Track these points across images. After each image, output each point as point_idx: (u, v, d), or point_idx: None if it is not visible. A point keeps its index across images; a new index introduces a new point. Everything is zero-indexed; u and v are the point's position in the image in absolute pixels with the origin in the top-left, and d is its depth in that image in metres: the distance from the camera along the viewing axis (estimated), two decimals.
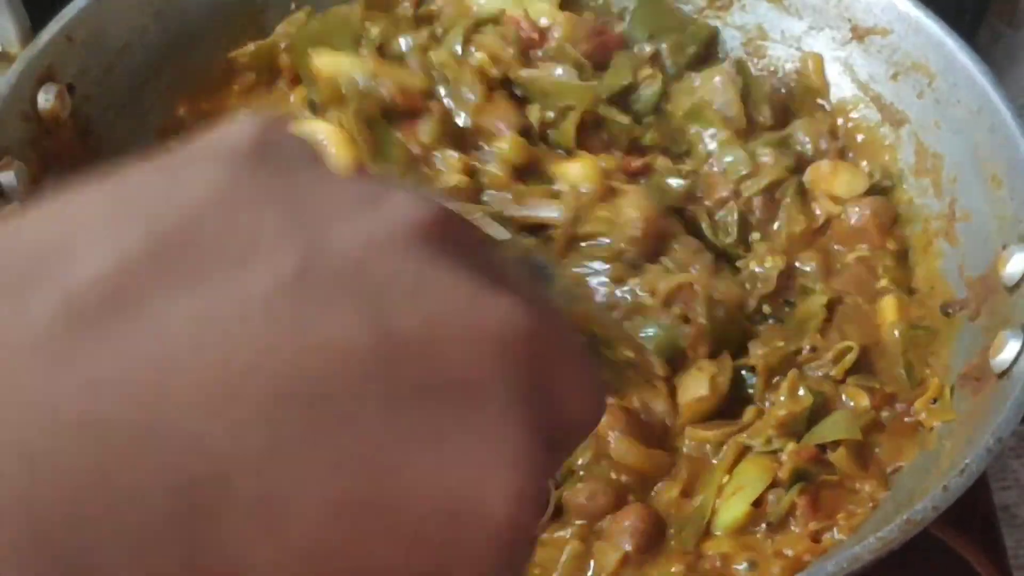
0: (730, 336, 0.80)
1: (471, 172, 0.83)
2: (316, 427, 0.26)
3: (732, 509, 0.75)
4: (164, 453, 0.25)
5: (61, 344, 0.26)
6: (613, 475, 0.76)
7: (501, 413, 0.29)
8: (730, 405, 0.79)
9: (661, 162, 0.87)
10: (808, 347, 0.80)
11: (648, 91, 0.90)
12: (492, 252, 0.34)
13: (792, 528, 0.74)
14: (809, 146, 0.90)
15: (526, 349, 0.30)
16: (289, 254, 0.28)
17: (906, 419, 0.78)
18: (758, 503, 0.74)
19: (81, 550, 0.24)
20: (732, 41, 0.98)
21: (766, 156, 0.87)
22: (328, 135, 0.82)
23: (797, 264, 0.85)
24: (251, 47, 0.93)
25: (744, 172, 0.86)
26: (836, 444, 0.76)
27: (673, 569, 0.73)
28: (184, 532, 0.25)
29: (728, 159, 0.87)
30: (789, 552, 0.73)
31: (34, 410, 0.25)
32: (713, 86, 0.90)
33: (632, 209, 0.81)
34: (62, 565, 0.24)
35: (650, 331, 0.78)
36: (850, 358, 0.79)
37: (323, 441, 0.26)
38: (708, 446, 0.77)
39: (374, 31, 0.89)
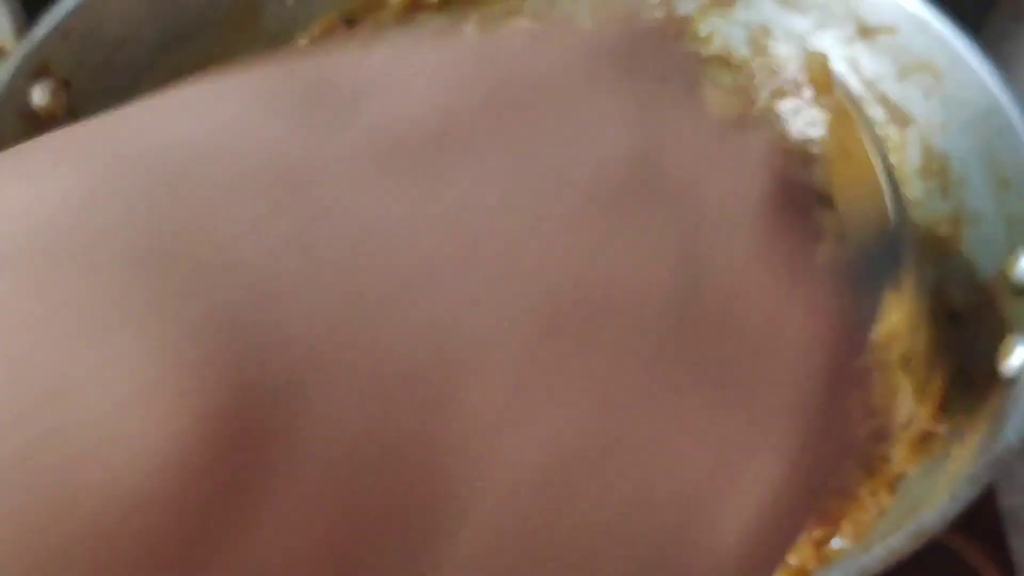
0: None
1: None
2: (566, 363, 0.23)
3: None
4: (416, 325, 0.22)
5: (372, 180, 0.23)
6: None
7: (787, 412, 0.25)
8: None
9: None
10: None
11: None
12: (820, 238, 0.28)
13: None
14: None
15: (834, 361, 0.26)
16: (625, 148, 0.25)
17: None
18: None
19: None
20: (736, 39, 0.98)
21: None
22: None
23: None
24: None
25: None
26: None
27: None
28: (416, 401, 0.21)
29: None
30: (793, 561, 0.72)
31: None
32: None
33: None
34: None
35: None
36: None
37: (566, 381, 0.23)
38: None
39: None
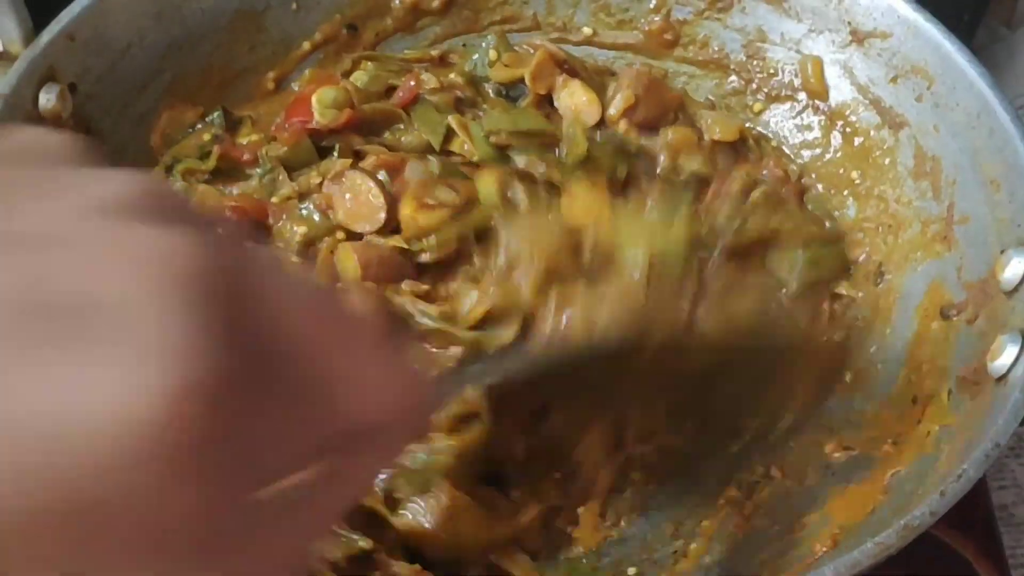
0: None
1: None
2: None
3: None
4: None
5: None
6: None
7: (142, 335, 0.29)
8: None
9: None
10: None
11: None
12: (195, 218, 0.34)
13: None
14: None
15: (197, 273, 0.30)
16: None
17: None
18: None
19: None
20: (732, 44, 0.98)
21: None
22: None
23: None
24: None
25: None
26: None
27: None
28: None
29: None
30: None
31: None
32: None
33: None
34: None
35: None
36: None
37: None
38: None
39: None
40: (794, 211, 0.90)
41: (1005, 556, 0.89)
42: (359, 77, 0.95)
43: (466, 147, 0.90)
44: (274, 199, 0.88)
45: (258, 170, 0.89)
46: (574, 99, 0.94)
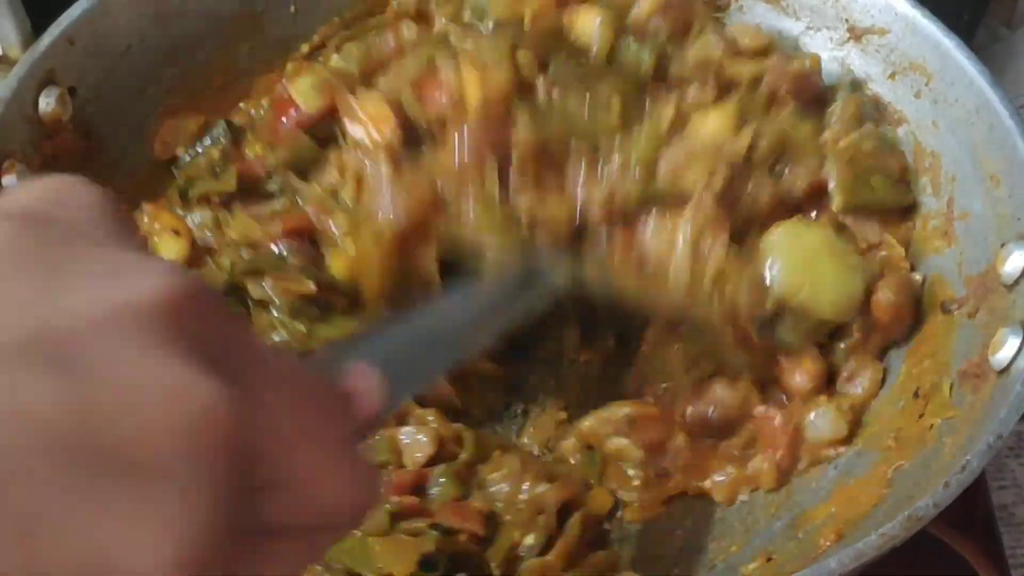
0: None
1: None
2: None
3: None
4: None
5: None
6: None
7: (177, 491, 0.33)
8: None
9: None
10: None
11: None
12: (239, 337, 0.38)
13: None
14: None
15: (224, 436, 0.34)
16: (17, 324, 0.33)
17: None
18: None
19: None
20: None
21: None
22: None
23: None
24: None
25: None
26: None
27: None
28: None
29: None
30: None
31: None
32: None
33: None
34: None
35: None
36: None
37: None
38: None
39: None
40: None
41: (1005, 556, 0.89)
42: (337, 62, 0.93)
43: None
44: (309, 208, 0.87)
45: (272, 184, 0.89)
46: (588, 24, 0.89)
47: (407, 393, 0.64)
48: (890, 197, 0.87)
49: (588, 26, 0.87)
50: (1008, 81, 0.93)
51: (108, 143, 0.88)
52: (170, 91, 0.91)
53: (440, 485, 0.78)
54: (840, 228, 0.83)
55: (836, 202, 0.85)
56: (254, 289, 0.82)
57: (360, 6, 0.97)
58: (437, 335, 0.63)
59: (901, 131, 0.90)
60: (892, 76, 0.90)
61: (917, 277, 0.85)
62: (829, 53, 0.94)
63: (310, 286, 0.82)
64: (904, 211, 0.88)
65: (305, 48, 0.96)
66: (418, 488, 0.77)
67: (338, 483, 0.40)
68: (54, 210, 0.37)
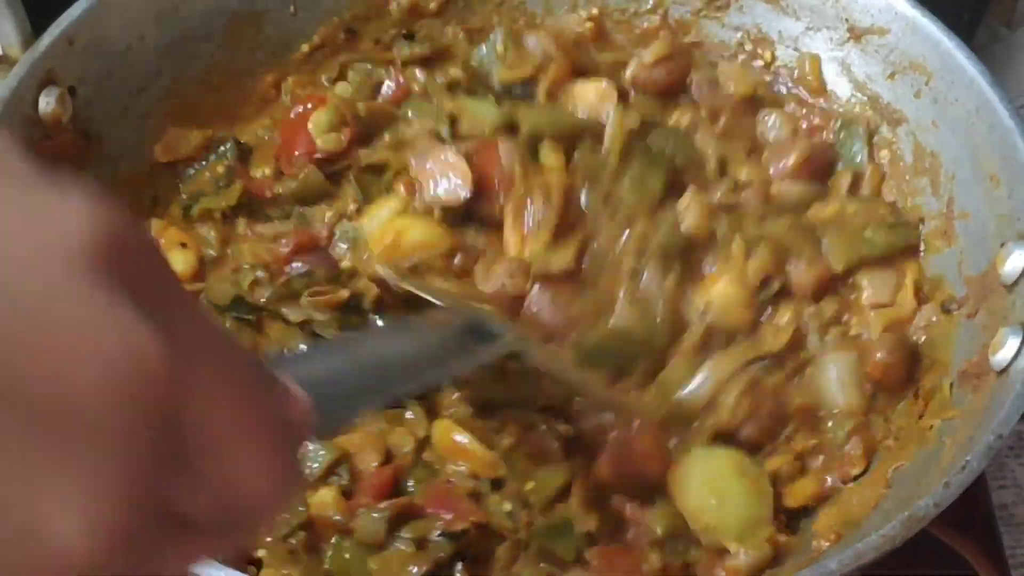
0: None
1: None
2: None
3: None
4: None
5: None
6: None
7: (106, 451, 0.32)
8: None
9: None
10: None
11: None
12: (178, 294, 0.37)
13: None
14: None
15: (155, 395, 0.33)
16: None
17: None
18: None
19: None
20: (730, 42, 0.99)
21: None
22: None
23: None
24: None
25: None
26: None
27: None
28: None
29: None
30: None
31: None
32: None
33: None
34: None
35: None
36: None
37: None
38: None
39: None
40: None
41: (1005, 556, 0.89)
42: (344, 89, 0.95)
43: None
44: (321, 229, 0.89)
45: (276, 210, 0.90)
46: (586, 96, 0.93)
47: (333, 421, 0.59)
48: (892, 240, 0.87)
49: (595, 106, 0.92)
50: (1008, 81, 0.93)
51: (108, 143, 0.88)
52: (170, 90, 0.91)
53: (413, 476, 0.78)
54: (754, 450, 0.81)
55: (838, 265, 0.85)
56: (293, 312, 0.82)
57: (360, 6, 0.97)
58: (373, 367, 0.61)
59: (901, 130, 0.90)
60: (892, 76, 0.91)
61: (914, 337, 0.85)
62: (829, 53, 0.94)
63: (343, 293, 0.82)
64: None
65: (305, 48, 0.96)
66: (398, 488, 0.77)
67: (260, 480, 0.38)
68: None
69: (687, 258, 0.86)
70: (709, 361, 0.81)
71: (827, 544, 0.75)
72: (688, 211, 0.86)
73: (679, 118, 0.93)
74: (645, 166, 0.88)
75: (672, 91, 0.94)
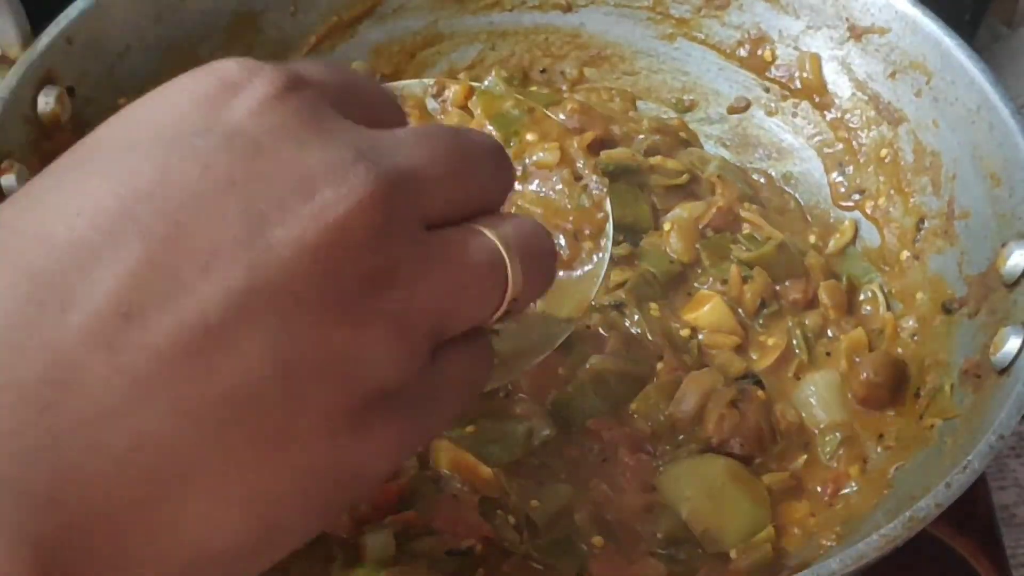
0: None
1: None
2: None
3: None
4: None
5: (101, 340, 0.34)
6: None
7: (389, 284, 0.41)
8: None
9: None
10: None
11: None
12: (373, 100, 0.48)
13: None
14: None
15: (403, 207, 0.41)
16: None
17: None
18: None
19: None
20: (729, 41, 0.99)
21: None
22: None
23: None
24: None
25: None
26: None
27: None
28: None
29: None
30: None
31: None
32: None
33: None
34: None
35: None
36: None
37: None
38: None
39: None
40: None
41: (1005, 556, 0.89)
42: None
43: None
44: None
45: None
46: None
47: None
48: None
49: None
50: (1009, 80, 0.93)
51: None
52: None
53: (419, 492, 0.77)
54: (747, 460, 0.80)
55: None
56: None
57: (359, 6, 0.97)
58: None
59: (902, 130, 0.90)
60: (892, 75, 0.90)
61: (901, 351, 0.85)
62: (829, 52, 0.94)
63: None
64: None
65: (304, 49, 0.96)
66: (403, 504, 0.77)
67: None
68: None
69: (676, 284, 0.87)
70: (693, 376, 0.81)
71: (828, 543, 0.75)
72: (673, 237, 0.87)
73: None
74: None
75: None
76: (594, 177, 0.72)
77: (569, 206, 0.71)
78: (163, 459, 0.34)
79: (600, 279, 0.70)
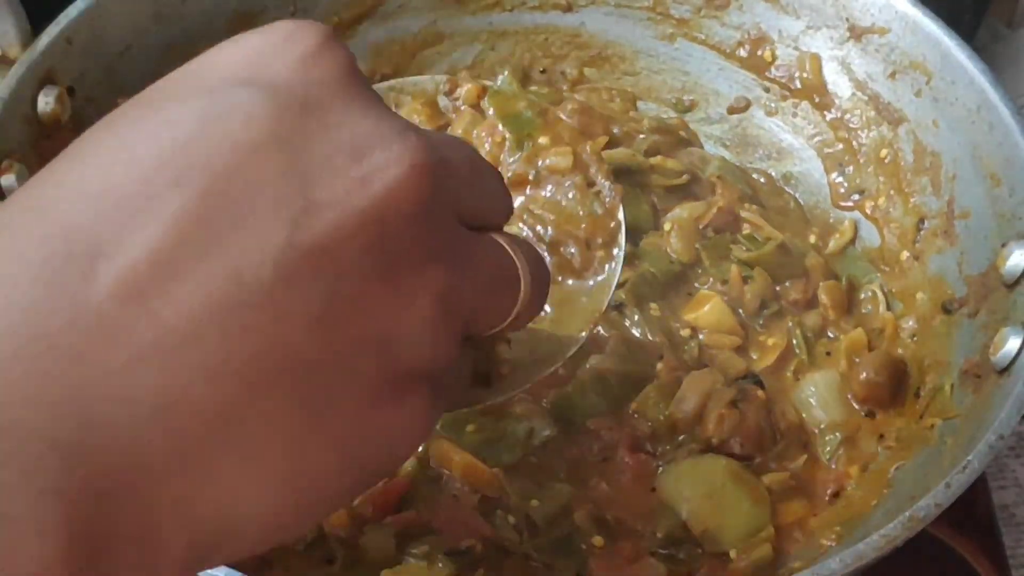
0: None
1: None
2: None
3: None
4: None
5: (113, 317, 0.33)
6: None
7: (427, 258, 0.39)
8: None
9: None
10: None
11: None
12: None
13: None
14: None
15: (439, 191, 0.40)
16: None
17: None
18: None
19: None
20: (730, 41, 0.99)
21: None
22: None
23: None
24: None
25: None
26: None
27: None
28: None
29: None
30: None
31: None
32: None
33: None
34: None
35: None
36: None
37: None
38: None
39: None
40: None
41: (1005, 556, 0.89)
42: None
43: None
44: None
45: None
46: None
47: None
48: None
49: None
50: (1009, 80, 0.93)
51: None
52: None
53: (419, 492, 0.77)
54: (747, 460, 0.80)
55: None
56: None
57: (359, 6, 0.97)
58: None
59: (902, 130, 0.90)
60: (892, 75, 0.90)
61: (901, 351, 0.85)
62: (829, 52, 0.94)
63: None
64: None
65: None
66: (403, 504, 0.77)
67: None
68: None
69: (676, 284, 0.87)
70: (693, 376, 0.81)
71: (828, 543, 0.75)
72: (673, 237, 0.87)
73: None
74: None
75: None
76: (607, 184, 0.72)
77: (582, 212, 0.71)
78: (194, 420, 0.34)
79: (612, 290, 0.69)
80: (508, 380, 0.55)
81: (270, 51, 0.40)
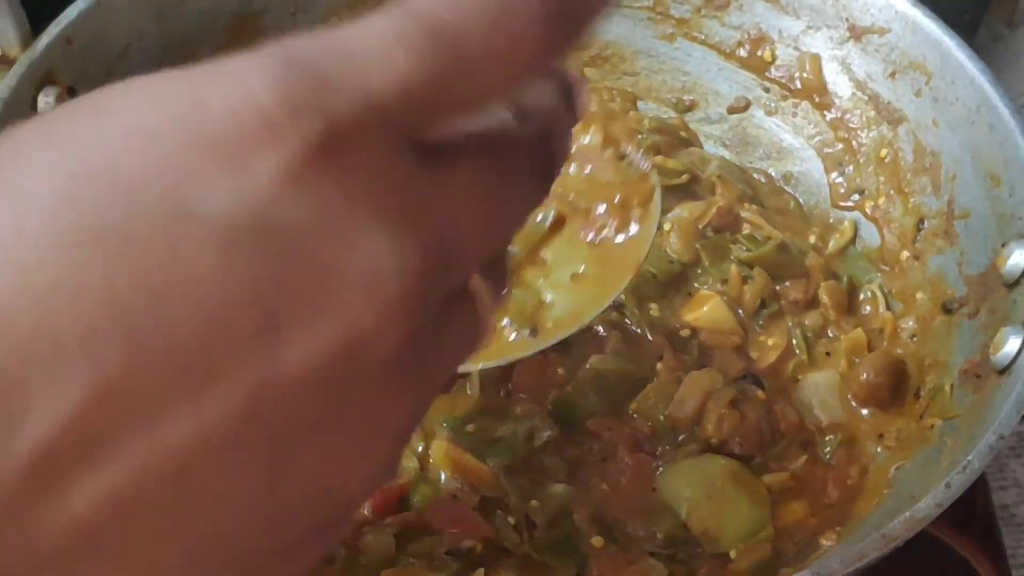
0: None
1: None
2: None
3: None
4: None
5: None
6: None
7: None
8: None
9: None
10: None
11: None
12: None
13: None
14: None
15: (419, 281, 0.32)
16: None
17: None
18: None
19: None
20: (729, 41, 0.99)
21: None
22: None
23: None
24: None
25: None
26: None
27: None
28: None
29: None
30: None
31: None
32: None
33: None
34: None
35: None
36: None
37: None
38: None
39: None
40: None
41: (1006, 556, 0.89)
42: None
43: None
44: None
45: None
46: None
47: None
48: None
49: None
50: (1009, 80, 0.93)
51: None
52: None
53: (418, 492, 0.77)
54: (747, 460, 0.80)
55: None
56: None
57: (360, 6, 0.97)
58: None
59: (901, 130, 0.90)
60: (892, 75, 0.91)
61: (901, 351, 0.85)
62: (829, 52, 0.94)
63: None
64: None
65: None
66: (403, 504, 0.77)
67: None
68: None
69: (676, 284, 0.87)
70: (693, 376, 0.81)
71: (829, 544, 0.75)
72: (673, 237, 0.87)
73: None
74: None
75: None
76: (639, 153, 0.73)
77: (615, 179, 0.71)
78: None
79: (651, 239, 0.70)
80: (551, 331, 0.55)
81: (246, 147, 0.30)
